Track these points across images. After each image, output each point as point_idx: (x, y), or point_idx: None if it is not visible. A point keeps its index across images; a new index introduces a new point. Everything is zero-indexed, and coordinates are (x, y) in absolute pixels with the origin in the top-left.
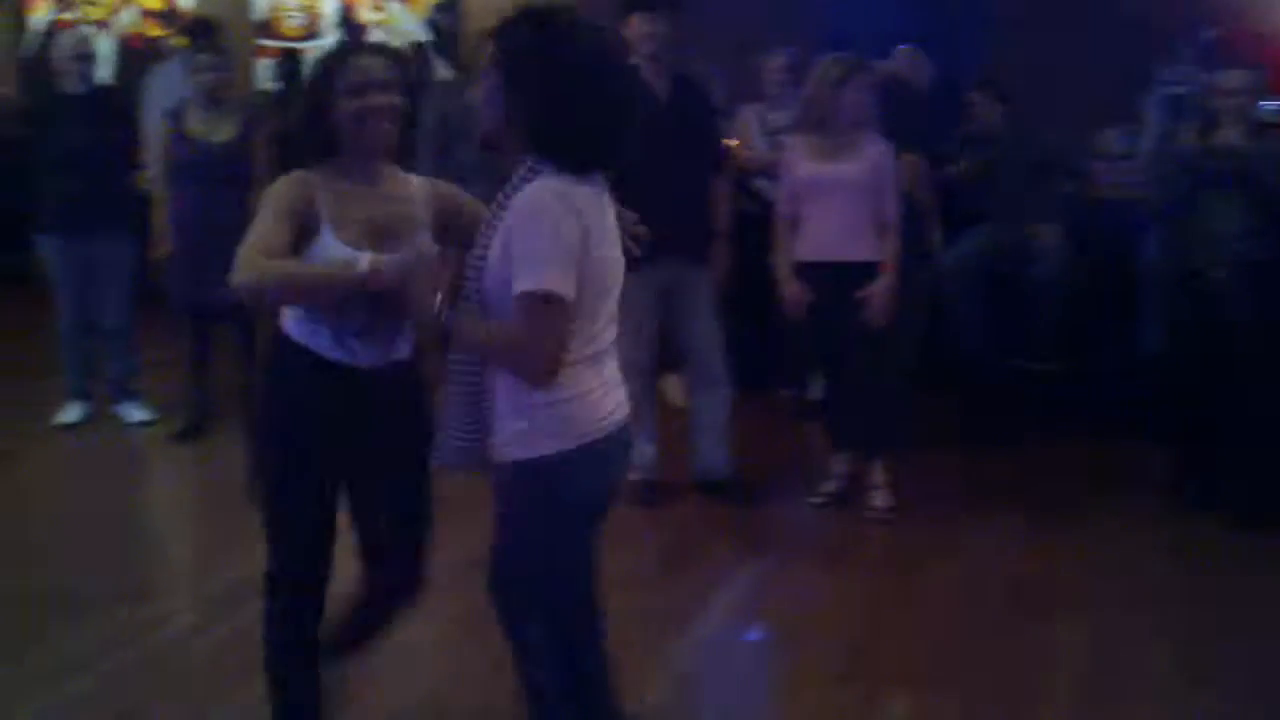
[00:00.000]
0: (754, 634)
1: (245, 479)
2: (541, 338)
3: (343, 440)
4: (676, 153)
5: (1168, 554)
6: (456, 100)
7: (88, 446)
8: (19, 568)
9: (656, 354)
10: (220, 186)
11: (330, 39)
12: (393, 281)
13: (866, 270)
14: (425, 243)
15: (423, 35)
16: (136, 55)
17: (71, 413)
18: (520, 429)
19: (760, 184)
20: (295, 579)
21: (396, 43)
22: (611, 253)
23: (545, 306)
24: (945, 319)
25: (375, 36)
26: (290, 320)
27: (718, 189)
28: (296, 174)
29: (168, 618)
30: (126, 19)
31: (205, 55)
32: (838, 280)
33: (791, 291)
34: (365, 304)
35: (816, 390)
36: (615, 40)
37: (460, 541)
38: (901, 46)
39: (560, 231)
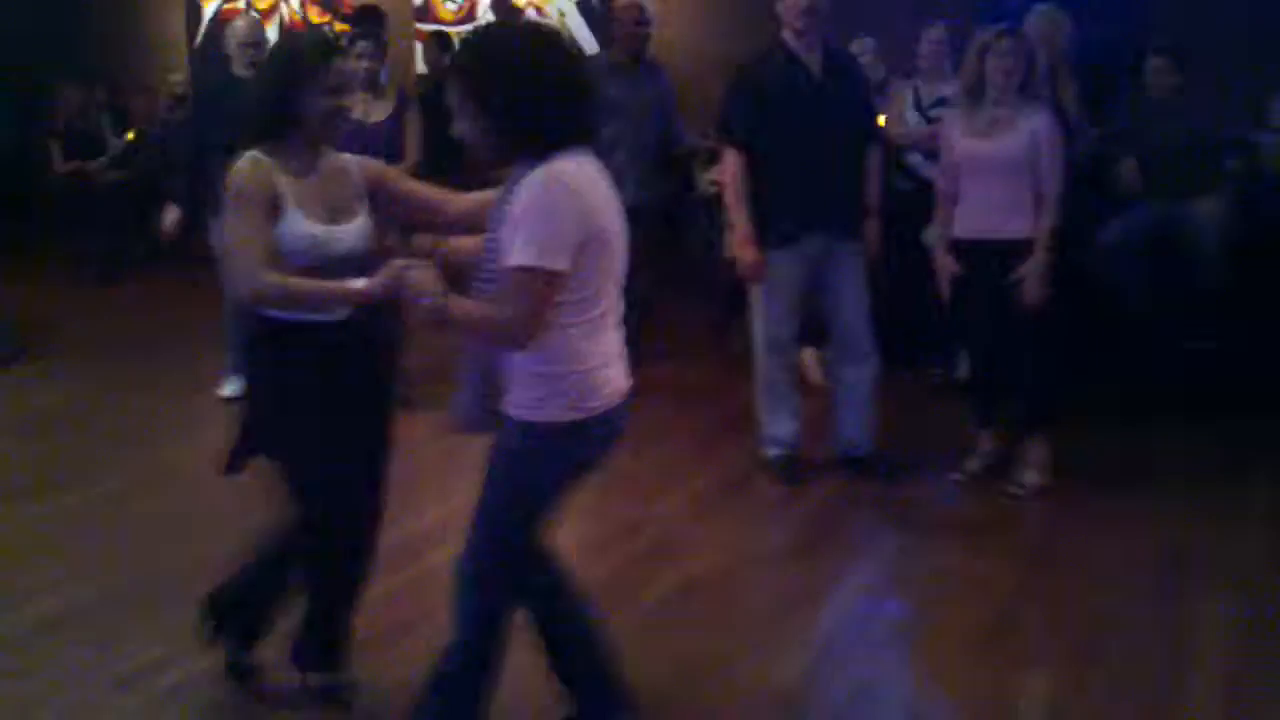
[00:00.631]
0: (893, 608)
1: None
2: (521, 307)
3: (339, 388)
4: (828, 127)
5: None
6: (605, 78)
7: None
8: (191, 534)
9: (798, 331)
10: None
11: (485, 21)
12: (381, 297)
13: (1021, 248)
14: (402, 265)
15: (573, 15)
16: None
17: (234, 385)
18: (537, 396)
19: (914, 159)
20: (338, 520)
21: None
22: (613, 226)
23: (528, 279)
24: (1105, 295)
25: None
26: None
27: (869, 164)
28: (252, 159)
29: None
30: (290, 6)
31: (362, 42)
32: (990, 258)
33: (943, 268)
34: (330, 271)
35: (964, 368)
36: (549, 32)
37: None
38: (1040, 6)
39: (555, 210)
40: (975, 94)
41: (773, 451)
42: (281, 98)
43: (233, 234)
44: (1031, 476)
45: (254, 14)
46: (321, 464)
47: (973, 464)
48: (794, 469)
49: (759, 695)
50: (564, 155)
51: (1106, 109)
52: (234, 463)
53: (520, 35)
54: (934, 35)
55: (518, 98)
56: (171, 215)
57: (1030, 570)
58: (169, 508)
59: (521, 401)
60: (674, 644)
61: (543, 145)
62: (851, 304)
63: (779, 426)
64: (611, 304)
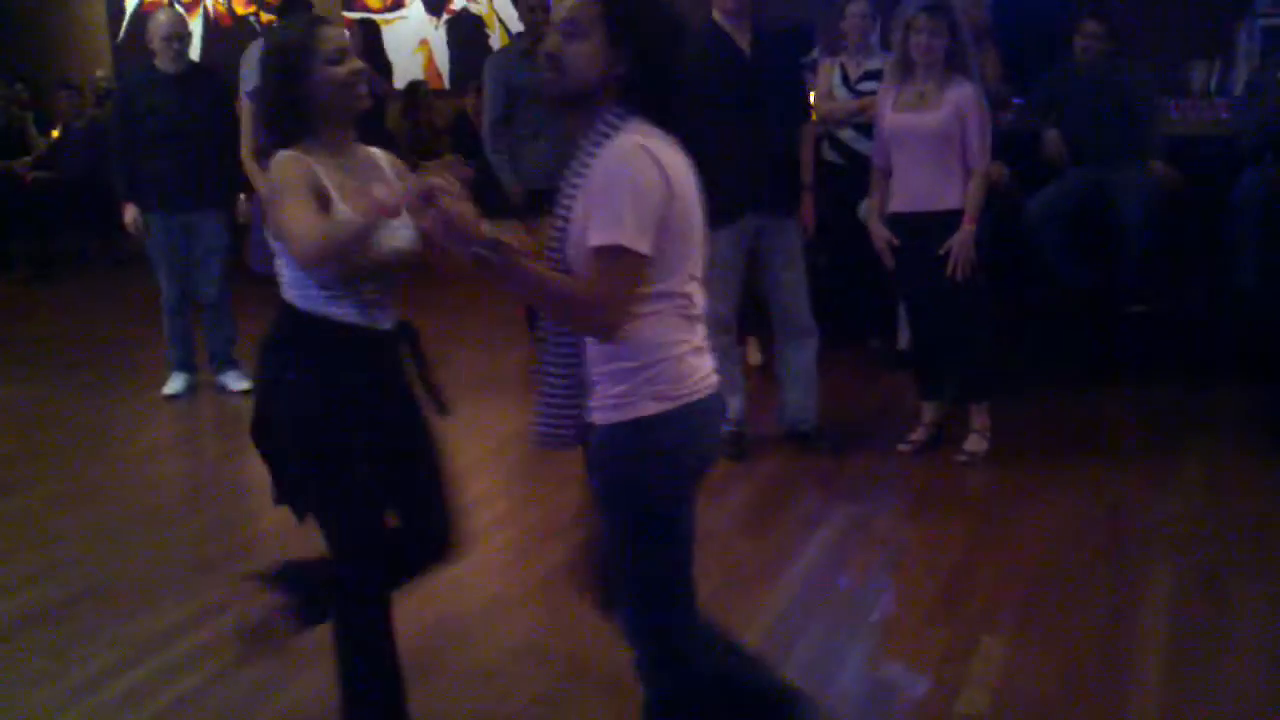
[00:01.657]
0: (844, 580)
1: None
2: (612, 291)
3: (376, 401)
4: (761, 106)
5: (1267, 493)
6: (519, 63)
7: (193, 415)
8: (131, 531)
9: (740, 308)
10: None
11: (413, 10)
12: (410, 210)
13: (951, 219)
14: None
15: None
16: (224, 34)
17: (176, 383)
18: (618, 393)
19: (845, 135)
20: (366, 547)
21: (475, 9)
22: (693, 208)
23: (619, 260)
24: (1033, 261)
25: (456, 5)
26: (300, 296)
27: (803, 141)
28: (289, 155)
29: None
30: None
31: None
32: (922, 230)
33: (879, 240)
34: (378, 273)
35: (905, 339)
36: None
37: (538, 513)
38: None
39: (641, 185)
40: (904, 69)
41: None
42: (285, 88)
43: (284, 217)
44: (974, 443)
45: (177, 6)
46: (356, 489)
47: (917, 434)
48: (740, 445)
49: None
50: (646, 124)
51: (1037, 78)
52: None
53: None
54: (856, 9)
55: (655, 49)
56: (130, 212)
57: (977, 536)
58: (116, 511)
59: (605, 402)
60: None
61: (654, 106)
62: (788, 280)
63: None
64: (696, 289)
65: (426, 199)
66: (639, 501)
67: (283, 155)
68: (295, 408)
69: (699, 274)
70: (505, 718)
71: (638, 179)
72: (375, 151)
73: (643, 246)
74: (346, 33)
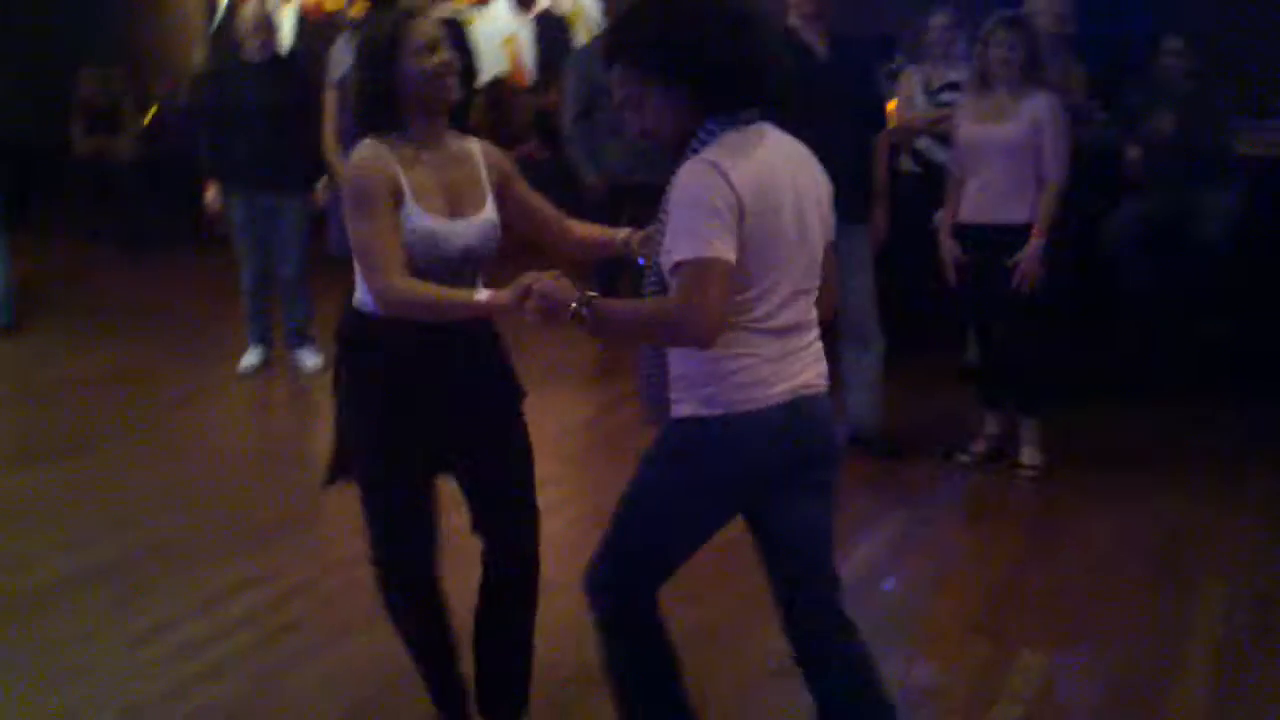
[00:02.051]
0: (890, 585)
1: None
2: (701, 302)
3: (446, 401)
4: (834, 112)
5: None
6: (601, 59)
7: (265, 389)
8: (197, 494)
9: None
10: None
11: (499, 9)
12: (512, 310)
13: (1020, 233)
14: (532, 278)
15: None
16: (315, 27)
17: (252, 357)
18: (680, 388)
19: (922, 144)
20: (401, 532)
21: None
22: (779, 222)
23: (702, 271)
24: (1111, 280)
25: (543, 2)
26: (363, 290)
27: (876, 148)
28: (371, 149)
29: (335, 543)
30: None
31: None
32: (990, 242)
33: (946, 252)
34: (446, 268)
35: (972, 351)
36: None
37: (593, 501)
38: None
39: (707, 200)
40: (984, 80)
41: None
42: (375, 79)
43: (359, 235)
44: (1030, 456)
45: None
46: (405, 487)
47: (978, 445)
48: None
49: (754, 666)
50: (736, 132)
51: (1121, 94)
52: (333, 475)
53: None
54: (938, 21)
55: (715, 66)
56: (212, 191)
57: (1029, 549)
58: (185, 474)
59: (687, 397)
60: (673, 616)
61: (737, 109)
62: (855, 287)
63: None
64: (788, 298)
65: (523, 295)
66: (678, 487)
67: (363, 150)
68: (355, 398)
69: (787, 288)
70: (537, 698)
71: (704, 196)
72: (472, 144)
73: (724, 254)
74: (439, 24)
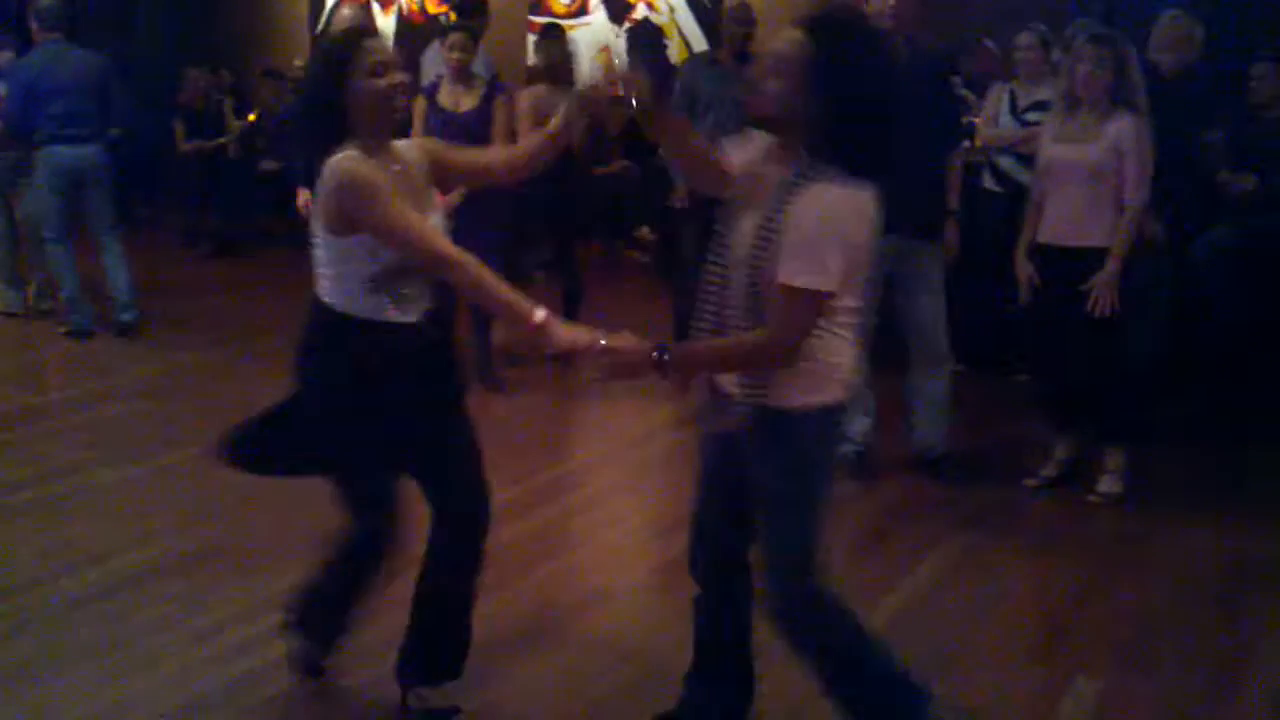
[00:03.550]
0: (949, 607)
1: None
2: (801, 329)
3: (413, 390)
4: (909, 126)
5: None
6: (706, 72)
7: None
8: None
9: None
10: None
11: (596, 16)
12: (564, 349)
13: (1095, 257)
14: (603, 344)
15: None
16: (416, 30)
17: None
18: (793, 384)
19: (1005, 162)
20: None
21: (656, 18)
22: (870, 241)
23: (810, 302)
24: (1201, 308)
25: (638, 13)
26: (334, 292)
27: (951, 165)
28: (355, 156)
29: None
30: None
31: (456, 34)
32: (1065, 265)
33: (1022, 273)
34: (412, 271)
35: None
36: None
37: (648, 514)
38: (1166, 12)
39: (848, 236)
40: (1070, 100)
41: (844, 448)
42: (329, 92)
43: (394, 217)
44: (1108, 485)
45: (373, 4)
46: (383, 475)
47: (1047, 470)
48: (865, 466)
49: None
50: (835, 170)
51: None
52: (229, 450)
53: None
54: (1024, 40)
55: (849, 105)
56: (303, 197)
57: (1091, 577)
58: (251, 477)
59: (784, 390)
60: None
61: (854, 165)
62: (924, 305)
63: (850, 423)
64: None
65: (596, 354)
66: (814, 485)
67: (348, 155)
68: (327, 390)
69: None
70: (579, 709)
71: (845, 229)
72: (405, 147)
73: (835, 287)
74: (448, 56)
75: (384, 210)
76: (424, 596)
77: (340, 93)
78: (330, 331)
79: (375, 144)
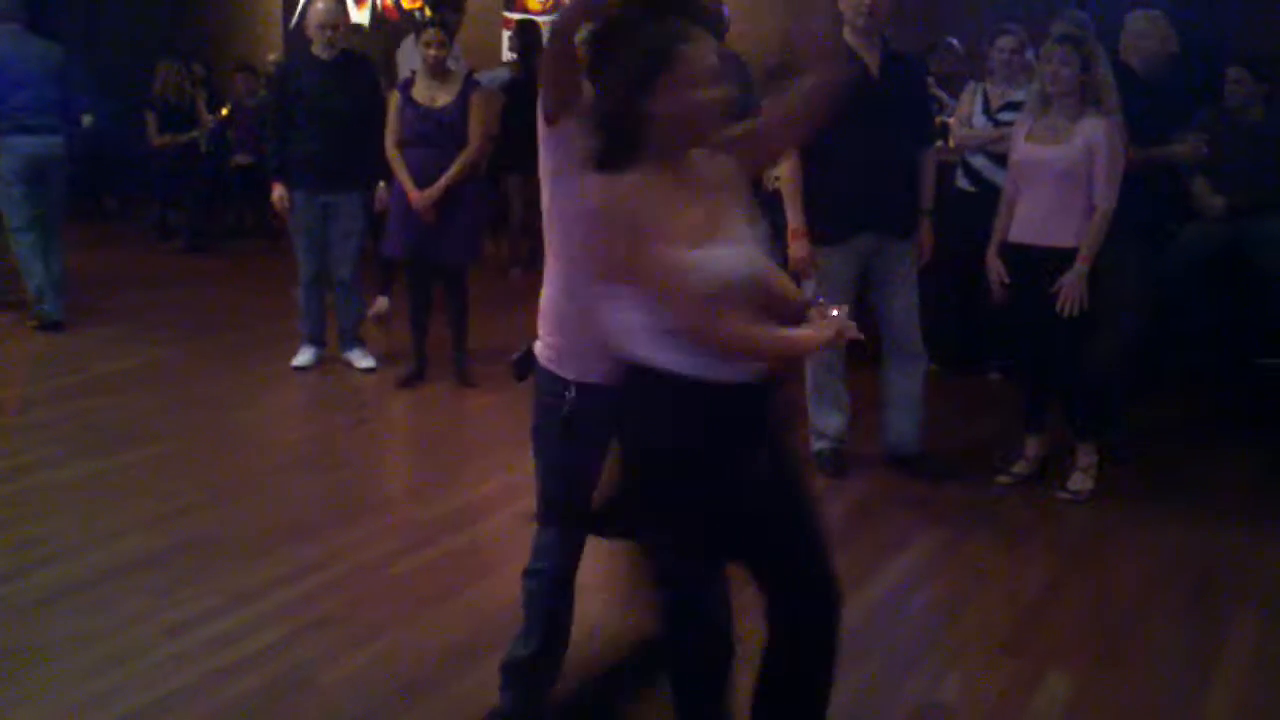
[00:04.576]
0: (920, 602)
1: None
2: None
3: (749, 461)
4: (883, 126)
5: None
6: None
7: (317, 387)
8: (241, 489)
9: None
10: (441, 147)
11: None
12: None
13: (1063, 256)
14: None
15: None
16: (391, 26)
17: (305, 356)
18: None
19: (977, 161)
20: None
21: None
22: None
23: None
24: (1171, 309)
25: None
26: (658, 351)
27: (924, 164)
28: (631, 185)
29: (373, 542)
30: None
31: (431, 29)
32: (1035, 265)
33: (993, 272)
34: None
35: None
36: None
37: None
38: (1137, 11)
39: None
40: (1043, 100)
41: (818, 444)
42: (630, 105)
43: (663, 271)
44: (1078, 481)
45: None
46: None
47: (1019, 467)
48: (839, 462)
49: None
50: None
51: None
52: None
53: None
54: (1002, 44)
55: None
56: (278, 190)
57: (1063, 573)
58: (230, 469)
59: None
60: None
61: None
62: (900, 304)
63: (825, 420)
64: None
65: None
66: None
67: (632, 180)
68: (670, 463)
69: None
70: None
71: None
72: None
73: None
74: (425, 53)
75: (649, 251)
76: (775, 694)
77: (642, 102)
78: (664, 392)
79: (678, 161)
